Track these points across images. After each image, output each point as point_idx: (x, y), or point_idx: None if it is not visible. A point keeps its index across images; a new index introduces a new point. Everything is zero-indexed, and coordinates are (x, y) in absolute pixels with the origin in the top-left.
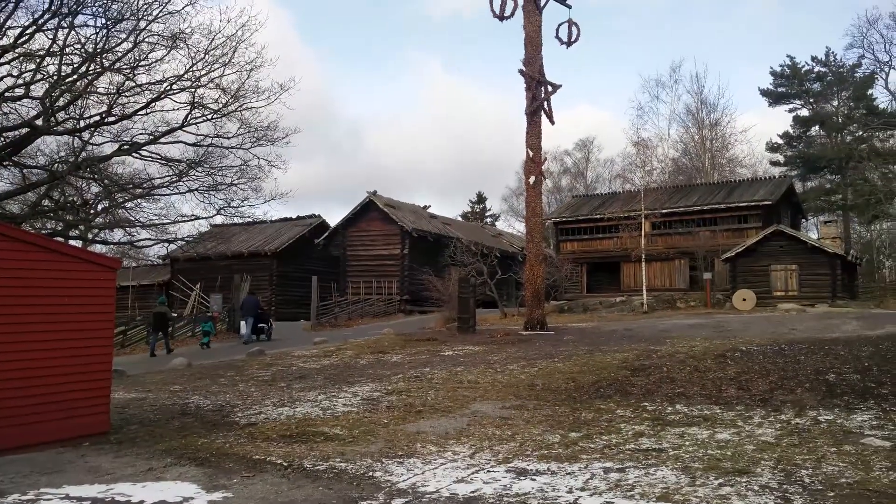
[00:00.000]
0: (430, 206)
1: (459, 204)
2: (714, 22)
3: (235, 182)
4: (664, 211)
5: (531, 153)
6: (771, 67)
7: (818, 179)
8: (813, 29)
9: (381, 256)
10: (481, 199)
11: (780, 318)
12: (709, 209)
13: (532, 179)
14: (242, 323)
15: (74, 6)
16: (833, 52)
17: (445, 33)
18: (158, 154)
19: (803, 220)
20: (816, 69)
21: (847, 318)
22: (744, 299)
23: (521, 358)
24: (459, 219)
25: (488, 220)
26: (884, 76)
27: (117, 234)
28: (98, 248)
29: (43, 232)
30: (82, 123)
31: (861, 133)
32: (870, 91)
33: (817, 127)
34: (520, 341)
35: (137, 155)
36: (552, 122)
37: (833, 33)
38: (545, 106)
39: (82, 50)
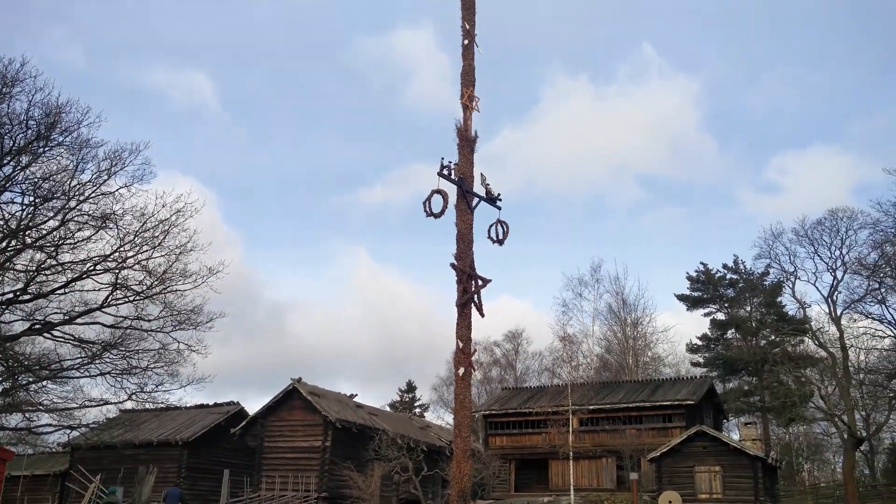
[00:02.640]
0: (356, 395)
1: (388, 392)
2: (627, 225)
3: (152, 366)
4: (591, 407)
5: (461, 344)
6: (687, 273)
7: (737, 381)
8: (719, 237)
9: (301, 448)
10: (411, 387)
11: None
12: (634, 407)
13: (461, 371)
14: None
15: (4, 183)
16: (742, 261)
17: (372, 223)
18: (72, 335)
19: (724, 421)
20: (728, 276)
21: None
22: (670, 502)
23: None
24: (387, 408)
25: (417, 410)
26: (790, 285)
27: (14, 419)
28: None
29: None
30: None
31: (774, 338)
32: (779, 298)
33: (733, 330)
34: None
35: (49, 335)
36: (482, 315)
37: (737, 242)
38: (475, 299)
39: (5, 226)
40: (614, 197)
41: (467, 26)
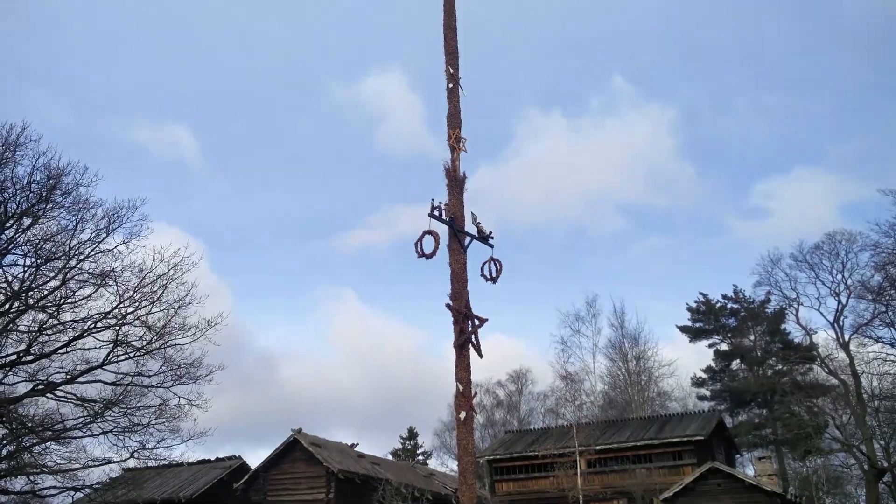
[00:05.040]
0: (357, 445)
1: (389, 439)
2: (613, 257)
3: (153, 423)
4: (598, 447)
5: (461, 387)
6: (687, 304)
7: (747, 413)
8: (710, 264)
9: (305, 502)
10: (412, 434)
11: None
12: (643, 445)
13: (463, 415)
14: None
15: (6, 246)
16: (741, 290)
17: (358, 265)
18: (74, 394)
19: (737, 456)
20: (730, 306)
21: None
22: None
23: None
24: (389, 457)
25: (420, 457)
26: (794, 312)
27: (19, 482)
28: None
29: None
30: None
31: (781, 367)
32: (783, 326)
33: (738, 360)
34: None
35: (52, 395)
36: (480, 356)
37: (730, 268)
38: (473, 339)
39: (8, 289)
40: (597, 229)
41: (451, 70)
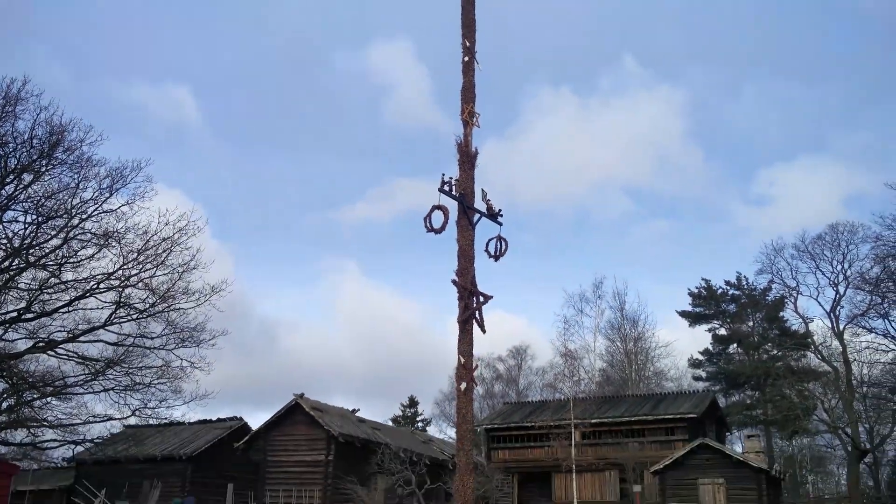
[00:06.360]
0: (358, 410)
1: (390, 407)
2: (617, 238)
3: (154, 383)
4: (594, 421)
5: (463, 360)
6: (689, 289)
7: (740, 395)
8: (713, 249)
9: (305, 463)
10: (413, 402)
11: None
12: (637, 420)
13: (463, 386)
14: None
15: (6, 202)
16: (745, 277)
17: (360, 238)
18: (76, 352)
19: (728, 434)
20: (731, 292)
21: None
22: None
23: None
24: (390, 423)
25: (420, 424)
26: (793, 301)
27: (20, 434)
28: None
29: None
30: None
31: (776, 352)
32: (781, 314)
33: (735, 345)
34: None
35: (53, 353)
36: (483, 331)
37: (732, 254)
38: (477, 315)
39: (8, 245)
40: (602, 210)
41: (467, 43)
